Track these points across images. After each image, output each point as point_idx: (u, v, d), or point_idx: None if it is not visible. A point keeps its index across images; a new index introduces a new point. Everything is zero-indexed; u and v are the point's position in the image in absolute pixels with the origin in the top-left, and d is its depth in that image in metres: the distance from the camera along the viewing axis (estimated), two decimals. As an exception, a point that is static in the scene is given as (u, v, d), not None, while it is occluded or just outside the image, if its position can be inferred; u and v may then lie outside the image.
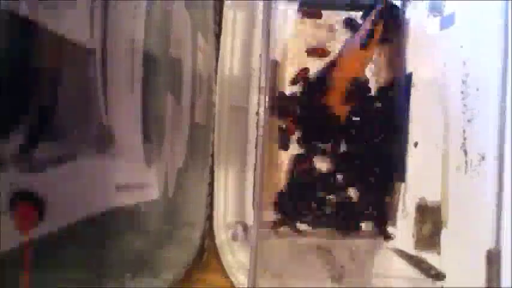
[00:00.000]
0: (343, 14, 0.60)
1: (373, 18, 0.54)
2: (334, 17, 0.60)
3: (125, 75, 0.33)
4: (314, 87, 0.59)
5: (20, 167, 0.23)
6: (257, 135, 0.39)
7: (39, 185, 0.24)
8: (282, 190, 0.59)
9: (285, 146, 0.59)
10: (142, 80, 0.35)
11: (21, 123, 0.23)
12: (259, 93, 0.40)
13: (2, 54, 0.22)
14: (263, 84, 0.39)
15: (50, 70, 0.25)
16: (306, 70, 0.60)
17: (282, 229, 0.58)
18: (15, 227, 0.23)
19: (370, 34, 0.53)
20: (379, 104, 0.59)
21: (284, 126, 0.59)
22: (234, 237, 0.52)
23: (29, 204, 0.24)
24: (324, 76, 0.58)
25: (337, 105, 0.57)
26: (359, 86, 0.57)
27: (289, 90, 0.60)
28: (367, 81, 0.59)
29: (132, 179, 0.37)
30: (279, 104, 0.58)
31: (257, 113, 0.41)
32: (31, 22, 0.23)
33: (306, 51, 0.60)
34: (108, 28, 0.29)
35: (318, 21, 0.60)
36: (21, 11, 0.22)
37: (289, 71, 0.60)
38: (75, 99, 0.28)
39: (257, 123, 0.40)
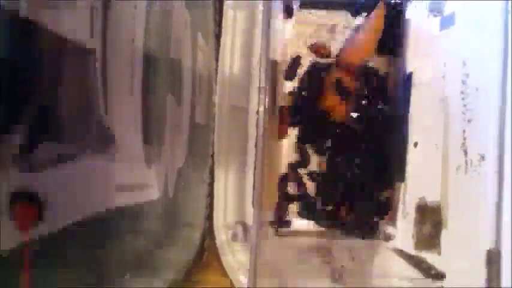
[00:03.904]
0: (343, 14, 0.60)
1: None
2: (334, 18, 0.60)
3: (125, 75, 0.33)
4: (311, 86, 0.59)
5: (20, 167, 0.23)
6: (257, 134, 0.39)
7: (39, 185, 0.24)
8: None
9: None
10: (142, 81, 0.35)
11: (21, 124, 0.23)
12: (259, 93, 0.40)
13: (1, 55, 0.22)
14: (263, 84, 0.39)
15: (49, 70, 0.25)
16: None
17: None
18: (15, 226, 0.23)
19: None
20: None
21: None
22: (234, 238, 0.52)
23: (28, 204, 0.24)
24: (322, 76, 0.59)
25: (336, 106, 0.57)
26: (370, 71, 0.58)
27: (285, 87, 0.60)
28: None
29: (132, 179, 0.37)
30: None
31: (257, 112, 0.41)
32: (31, 22, 0.23)
33: (310, 48, 0.60)
34: (108, 28, 0.29)
35: (319, 21, 0.60)
36: (21, 12, 0.22)
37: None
38: (75, 99, 0.28)
39: (257, 123, 0.40)
